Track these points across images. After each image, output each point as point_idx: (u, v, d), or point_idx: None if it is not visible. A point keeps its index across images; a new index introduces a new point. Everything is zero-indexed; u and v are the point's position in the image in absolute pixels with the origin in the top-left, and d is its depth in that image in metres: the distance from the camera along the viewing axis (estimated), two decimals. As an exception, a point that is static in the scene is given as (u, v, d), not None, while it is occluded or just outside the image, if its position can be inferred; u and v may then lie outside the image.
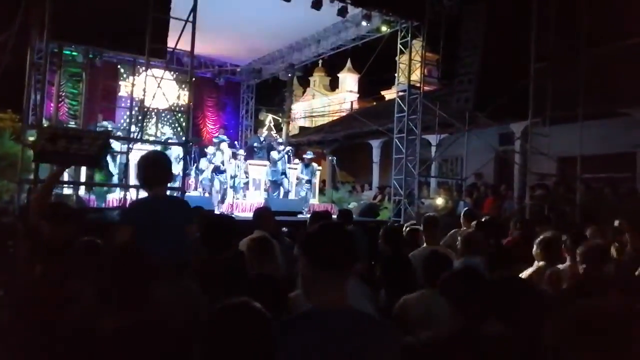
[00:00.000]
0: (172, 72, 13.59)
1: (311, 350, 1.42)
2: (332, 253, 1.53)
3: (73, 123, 11.47)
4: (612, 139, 10.61)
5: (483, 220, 4.89)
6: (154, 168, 3.09)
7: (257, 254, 2.94)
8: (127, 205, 3.15)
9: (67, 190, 9.28)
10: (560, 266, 3.54)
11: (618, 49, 10.26)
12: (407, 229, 4.71)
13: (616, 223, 4.84)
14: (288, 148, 12.46)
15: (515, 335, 1.69)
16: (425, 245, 4.29)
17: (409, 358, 1.10)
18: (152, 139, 12.06)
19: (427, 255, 2.85)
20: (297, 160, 12.92)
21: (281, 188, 11.56)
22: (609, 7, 9.04)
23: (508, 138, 13.14)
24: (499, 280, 1.99)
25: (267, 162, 11.90)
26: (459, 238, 3.70)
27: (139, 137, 8.53)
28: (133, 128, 9.49)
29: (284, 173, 11.63)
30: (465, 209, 5.80)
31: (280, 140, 13.96)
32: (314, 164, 12.50)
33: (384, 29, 11.71)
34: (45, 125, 7.99)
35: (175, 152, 9.68)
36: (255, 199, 11.50)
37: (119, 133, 10.48)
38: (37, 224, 3.00)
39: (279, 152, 11.67)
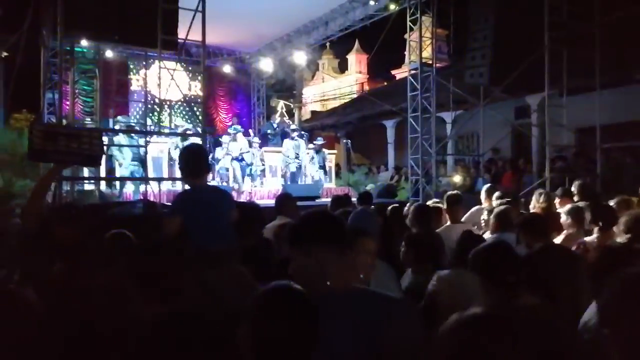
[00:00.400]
0: (182, 64, 13.62)
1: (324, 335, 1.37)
2: (320, 232, 1.55)
3: (89, 120, 11.58)
4: (630, 107, 10.41)
5: (502, 195, 4.84)
6: (197, 159, 3.22)
7: (284, 240, 2.96)
8: (174, 197, 3.27)
9: (89, 186, 9.41)
10: (588, 238, 3.52)
11: (633, 15, 9.99)
12: (431, 205, 4.70)
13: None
14: (303, 133, 12.49)
15: (554, 307, 1.70)
16: (449, 223, 4.28)
17: (451, 338, 1.11)
18: (167, 131, 12.15)
19: (462, 236, 2.84)
20: (311, 145, 12.94)
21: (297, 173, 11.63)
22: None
23: (524, 111, 12.96)
24: (540, 250, 1.98)
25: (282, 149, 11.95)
26: (484, 213, 3.68)
27: (156, 130, 8.59)
28: (149, 122, 9.57)
29: (297, 157, 11.65)
30: (487, 185, 5.74)
31: (293, 126, 13.91)
32: (324, 150, 12.52)
33: (392, 7, 11.56)
34: (64, 124, 8.08)
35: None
36: (273, 185, 11.56)
37: (136, 127, 10.56)
38: (44, 224, 3.05)
39: (292, 139, 11.69)
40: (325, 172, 12.29)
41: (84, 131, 4.15)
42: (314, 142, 12.33)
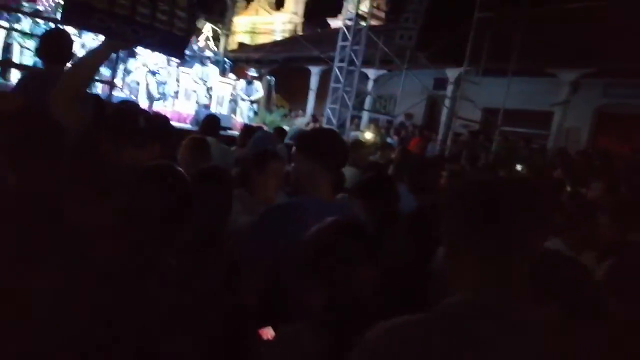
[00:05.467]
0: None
1: (302, 224, 1.53)
2: (325, 150, 1.76)
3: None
4: (535, 97, 11.24)
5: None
6: (55, 43, 2.92)
7: (190, 151, 2.92)
8: (20, 76, 2.96)
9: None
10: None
11: (556, 11, 10.67)
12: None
13: (518, 168, 5.34)
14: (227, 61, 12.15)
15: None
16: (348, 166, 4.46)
17: None
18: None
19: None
20: (232, 75, 12.61)
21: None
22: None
23: (442, 83, 13.49)
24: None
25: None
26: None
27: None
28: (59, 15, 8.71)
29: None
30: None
31: (208, 52, 13.26)
32: (256, 82, 12.30)
33: (338, -49, 11.31)
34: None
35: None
36: (184, 108, 11.13)
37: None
38: None
39: (203, 64, 11.59)
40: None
41: None
42: (247, 72, 12.06)
